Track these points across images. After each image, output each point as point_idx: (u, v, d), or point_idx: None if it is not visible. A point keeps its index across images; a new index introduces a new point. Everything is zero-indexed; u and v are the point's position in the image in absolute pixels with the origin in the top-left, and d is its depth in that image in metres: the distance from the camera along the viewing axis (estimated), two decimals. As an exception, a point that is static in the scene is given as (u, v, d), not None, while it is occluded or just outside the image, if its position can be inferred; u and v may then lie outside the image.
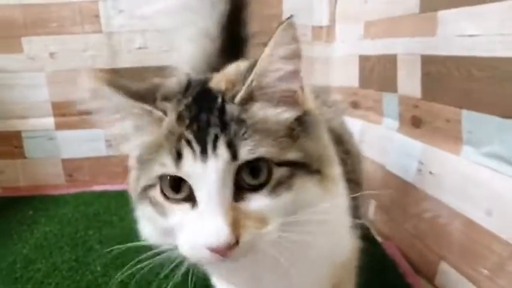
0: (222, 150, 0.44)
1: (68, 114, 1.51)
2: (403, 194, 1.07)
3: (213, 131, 0.45)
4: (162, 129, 0.48)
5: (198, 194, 0.45)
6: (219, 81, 0.51)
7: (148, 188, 0.49)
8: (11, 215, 1.31)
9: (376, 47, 1.23)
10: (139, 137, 0.50)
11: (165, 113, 0.48)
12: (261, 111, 0.48)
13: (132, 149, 0.52)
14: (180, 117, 0.47)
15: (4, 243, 1.13)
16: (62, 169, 1.55)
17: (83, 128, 1.52)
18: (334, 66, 1.46)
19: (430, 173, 0.99)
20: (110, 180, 1.54)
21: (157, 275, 0.92)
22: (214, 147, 0.44)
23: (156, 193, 0.48)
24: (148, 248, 1.04)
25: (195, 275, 0.79)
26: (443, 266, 0.89)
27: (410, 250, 1.00)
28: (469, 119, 0.86)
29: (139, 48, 1.48)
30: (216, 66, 0.84)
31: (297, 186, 0.47)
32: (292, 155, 0.47)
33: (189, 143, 0.45)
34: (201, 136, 0.45)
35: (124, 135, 0.52)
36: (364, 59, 1.33)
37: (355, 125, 1.38)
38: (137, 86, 0.51)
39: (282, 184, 0.46)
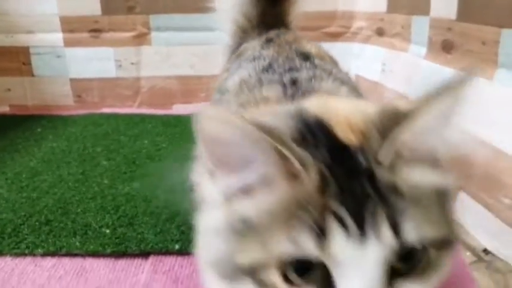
0: (386, 231, 0.33)
1: (77, 30, 1.44)
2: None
3: (371, 204, 0.33)
4: (295, 189, 0.34)
5: (343, 284, 0.34)
6: (343, 129, 0.37)
7: (257, 267, 0.35)
8: (18, 132, 1.29)
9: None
10: (263, 194, 0.36)
11: (304, 166, 0.33)
12: (413, 176, 0.36)
13: (249, 208, 0.36)
14: (323, 180, 0.34)
15: (11, 157, 1.12)
16: (70, 89, 1.50)
17: (93, 46, 1.46)
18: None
19: (457, 100, 0.93)
20: (119, 102, 1.51)
21: (162, 189, 0.91)
22: (375, 225, 0.33)
23: (273, 277, 0.34)
24: (157, 164, 1.03)
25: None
26: (461, 196, 0.85)
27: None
28: (509, 38, 0.79)
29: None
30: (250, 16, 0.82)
31: (443, 264, 0.37)
32: (445, 231, 0.37)
33: (339, 217, 0.33)
34: (355, 210, 0.33)
35: (244, 189, 0.37)
36: (394, -19, 1.22)
37: (378, 54, 1.30)
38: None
39: (431, 263, 0.36)
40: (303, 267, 0.34)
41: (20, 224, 0.80)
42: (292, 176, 0.34)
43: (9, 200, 0.89)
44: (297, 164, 0.33)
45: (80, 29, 1.44)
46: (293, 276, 0.34)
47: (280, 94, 0.51)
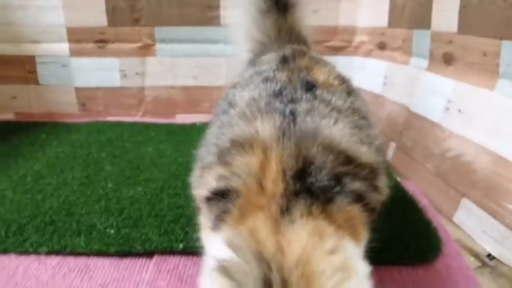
0: None
1: (83, 40, 1.46)
2: (427, 134, 1.03)
3: None
4: None
5: None
6: None
7: None
8: (22, 137, 1.30)
9: (411, -19, 1.16)
10: None
11: None
12: None
13: None
14: None
15: (15, 161, 1.12)
16: (75, 98, 1.52)
17: (98, 56, 1.48)
18: (362, 5, 1.39)
19: (459, 111, 0.95)
20: (124, 111, 1.52)
21: (168, 194, 0.92)
22: None
23: None
24: (161, 169, 1.03)
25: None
26: (465, 203, 0.86)
27: (430, 189, 0.97)
28: (509, 49, 0.81)
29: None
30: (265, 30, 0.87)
31: None
32: None
33: None
34: None
35: None
36: (395, -4, 1.25)
37: (379, 67, 1.32)
38: None
39: None
40: None
41: (25, 224, 0.80)
42: None
43: (13, 201, 0.89)
44: None
45: (86, 40, 1.46)
46: None
47: (277, 128, 0.51)
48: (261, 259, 0.40)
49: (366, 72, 1.38)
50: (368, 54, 1.40)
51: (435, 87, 1.03)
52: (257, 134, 0.51)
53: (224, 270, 0.41)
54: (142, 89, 1.51)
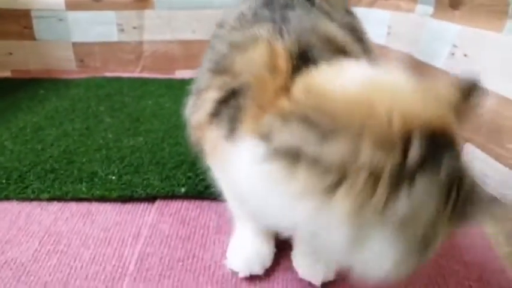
0: None
1: (78, -7, 1.42)
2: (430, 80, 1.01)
3: None
4: None
5: None
6: None
7: None
8: (21, 94, 1.28)
9: None
10: None
11: None
12: None
13: None
14: None
15: (14, 115, 1.11)
16: (72, 53, 1.49)
17: (94, 9, 1.43)
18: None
19: (465, 55, 0.92)
20: (122, 67, 1.49)
21: (168, 143, 0.91)
22: None
23: None
24: (161, 121, 1.02)
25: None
26: (468, 148, 0.85)
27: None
28: (520, -13, 0.78)
29: None
30: None
31: None
32: None
33: None
34: None
35: None
36: None
37: (383, 17, 1.28)
38: None
39: None
40: None
41: (26, 172, 0.80)
42: None
43: (13, 151, 0.89)
44: None
45: (81, -8, 1.42)
46: None
47: (272, 30, 0.49)
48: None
49: (369, 24, 1.34)
50: (372, 4, 1.35)
51: (440, 33, 1.00)
52: (255, 35, 0.49)
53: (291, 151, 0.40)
54: (140, 43, 1.48)
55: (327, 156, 0.38)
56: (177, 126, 1.00)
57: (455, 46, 0.95)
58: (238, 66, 0.47)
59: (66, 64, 1.50)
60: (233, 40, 0.51)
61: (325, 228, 0.40)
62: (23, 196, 0.74)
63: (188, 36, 1.46)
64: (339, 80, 0.41)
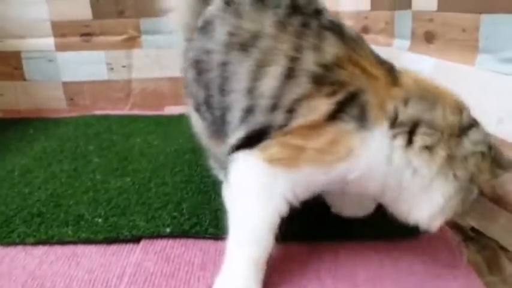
0: None
1: (68, 34, 1.46)
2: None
3: None
4: None
5: None
6: None
7: None
8: (10, 134, 1.29)
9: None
10: None
11: None
12: None
13: None
14: None
15: (2, 156, 1.12)
16: (62, 92, 1.51)
17: (84, 50, 1.47)
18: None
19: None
20: (111, 105, 1.52)
21: (155, 183, 0.92)
22: None
23: None
24: (149, 160, 1.04)
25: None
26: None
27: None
28: (488, 23, 0.81)
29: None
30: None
31: None
32: None
33: None
34: None
35: None
36: (377, -22, 1.26)
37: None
38: None
39: None
40: None
41: (12, 216, 0.80)
42: None
43: (1, 195, 0.89)
44: None
45: (71, 34, 1.46)
46: None
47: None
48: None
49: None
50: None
51: (417, 66, 1.03)
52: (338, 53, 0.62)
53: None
54: (129, 81, 1.51)
55: (435, 120, 0.59)
56: (164, 165, 1.02)
57: (431, 79, 0.98)
58: (345, 78, 0.60)
59: (56, 103, 1.53)
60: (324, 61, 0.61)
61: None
62: (8, 241, 0.74)
63: (177, 73, 1.48)
64: (420, 74, 0.66)
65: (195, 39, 0.72)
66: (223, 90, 0.65)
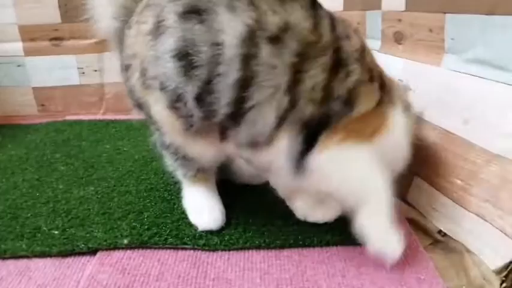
0: None
1: (37, 39, 1.42)
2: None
3: None
4: None
5: None
6: None
7: None
8: (-24, 142, 1.26)
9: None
10: None
11: None
12: None
13: None
14: None
15: (-36, 166, 1.09)
16: (33, 98, 1.48)
17: (54, 54, 1.44)
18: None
19: (409, 89, 0.94)
20: (84, 110, 1.48)
21: (119, 192, 0.90)
22: None
23: None
24: (116, 167, 1.01)
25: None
26: (417, 181, 0.85)
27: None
28: (453, 23, 0.80)
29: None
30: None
31: None
32: None
33: None
34: None
35: None
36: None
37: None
38: None
39: None
40: None
41: (-35, 230, 0.78)
42: None
43: (-43, 207, 0.86)
44: None
45: (40, 38, 1.42)
46: None
47: None
48: None
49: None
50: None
51: (387, 67, 1.01)
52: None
53: None
54: (101, 85, 1.48)
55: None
56: (130, 172, 0.99)
57: (400, 80, 0.97)
58: (370, 65, 0.69)
59: (27, 109, 1.49)
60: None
61: None
62: (-42, 258, 0.72)
63: (149, 76, 1.47)
64: None
65: (171, 26, 0.62)
66: (242, 87, 0.60)
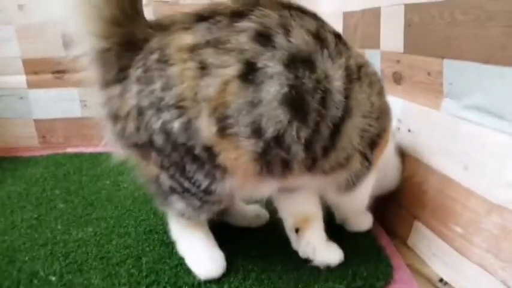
0: None
1: (40, 72, 1.44)
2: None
3: None
4: None
5: None
6: None
7: None
8: (-23, 176, 1.26)
9: (360, 1, 1.16)
10: None
11: None
12: None
13: None
14: None
15: (-36, 203, 1.08)
16: (34, 130, 1.49)
17: (57, 87, 1.45)
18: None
19: (409, 130, 0.94)
20: (85, 142, 1.49)
21: (118, 234, 0.89)
22: None
23: None
24: (115, 206, 1.01)
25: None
26: (417, 225, 0.85)
27: (384, 212, 0.95)
28: (451, 69, 0.81)
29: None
30: None
31: None
32: None
33: None
34: None
35: None
36: (348, 16, 1.26)
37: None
38: None
39: None
40: None
41: (-38, 275, 0.77)
42: None
43: (-46, 249, 0.86)
44: None
45: (43, 71, 1.44)
46: None
47: None
48: None
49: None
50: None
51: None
52: None
53: None
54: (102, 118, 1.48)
55: None
56: (130, 212, 0.99)
57: (400, 121, 0.97)
58: None
59: (28, 141, 1.50)
60: None
61: None
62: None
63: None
64: None
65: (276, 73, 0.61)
66: (341, 121, 0.67)
